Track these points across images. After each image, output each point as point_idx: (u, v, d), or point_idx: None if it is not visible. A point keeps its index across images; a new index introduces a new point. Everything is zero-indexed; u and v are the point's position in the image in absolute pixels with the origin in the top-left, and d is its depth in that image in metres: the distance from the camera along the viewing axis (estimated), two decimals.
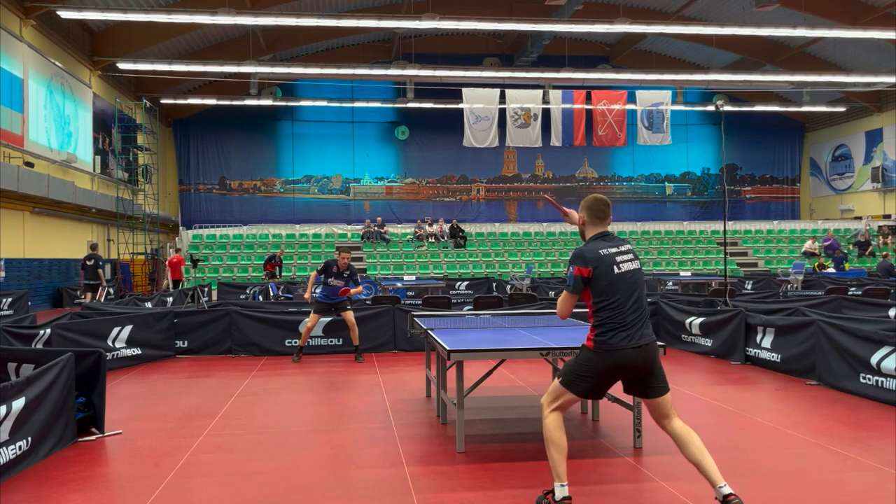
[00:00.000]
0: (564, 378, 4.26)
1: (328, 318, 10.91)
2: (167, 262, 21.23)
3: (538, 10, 25.14)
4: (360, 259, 26.72)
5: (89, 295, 17.52)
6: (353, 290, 10.32)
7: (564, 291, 4.31)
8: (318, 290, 10.59)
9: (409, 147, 34.17)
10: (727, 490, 3.99)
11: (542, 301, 12.66)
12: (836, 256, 24.62)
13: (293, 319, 11.13)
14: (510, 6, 27.22)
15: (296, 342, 11.00)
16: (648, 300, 12.70)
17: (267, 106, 30.90)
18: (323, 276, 10.32)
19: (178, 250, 23.23)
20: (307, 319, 10.48)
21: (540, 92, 27.71)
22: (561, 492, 4.13)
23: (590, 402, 6.70)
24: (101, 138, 25.41)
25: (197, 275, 22.22)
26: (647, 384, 4.23)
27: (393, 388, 8.21)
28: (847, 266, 24.01)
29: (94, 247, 19.38)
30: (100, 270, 17.77)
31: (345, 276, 10.28)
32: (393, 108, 32.13)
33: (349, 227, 29.36)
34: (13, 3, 19.11)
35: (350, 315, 10.30)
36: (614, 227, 30.28)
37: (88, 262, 17.94)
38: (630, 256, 4.30)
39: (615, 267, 4.20)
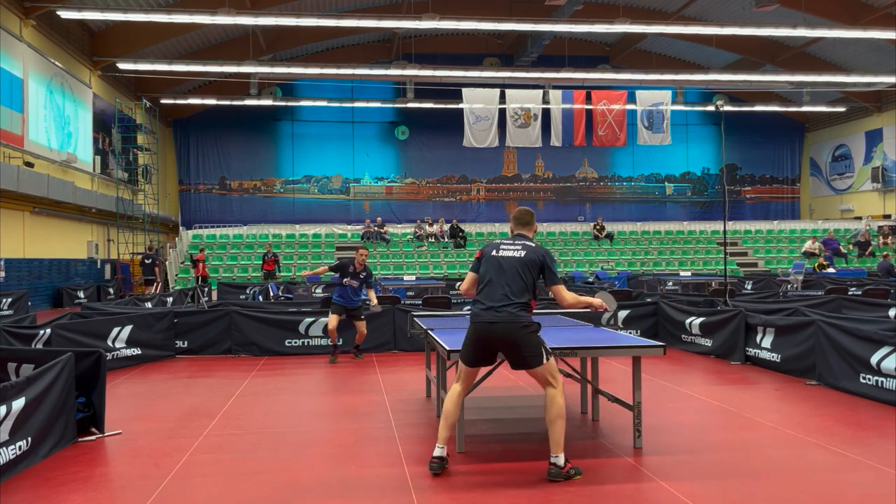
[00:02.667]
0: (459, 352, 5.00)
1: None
2: (194, 259, 22.45)
3: (538, 10, 25.13)
4: None
5: (147, 289, 19.78)
6: (374, 306, 10.05)
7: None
8: (333, 292, 10.34)
9: (409, 147, 34.17)
10: (555, 460, 4.72)
11: (542, 301, 12.66)
12: (826, 255, 24.58)
13: (293, 319, 11.13)
14: (510, 6, 27.22)
15: (296, 342, 11.01)
16: (648, 300, 12.74)
17: (267, 106, 30.90)
18: (338, 275, 10.05)
19: (202, 249, 24.03)
20: (324, 319, 10.39)
21: (540, 92, 27.71)
22: (436, 451, 4.84)
23: (590, 402, 6.70)
24: (101, 138, 25.41)
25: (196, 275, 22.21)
26: (515, 357, 4.83)
27: (393, 388, 8.20)
28: (836, 264, 23.87)
29: (150, 247, 22.13)
30: (156, 268, 20.25)
31: (361, 276, 9.96)
32: (393, 108, 32.13)
33: (349, 227, 29.36)
34: (13, 3, 19.11)
35: (363, 325, 10.17)
36: (614, 227, 30.45)
37: (146, 261, 20.41)
38: (517, 247, 4.91)
39: (495, 250, 4.94)
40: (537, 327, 4.84)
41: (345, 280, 9.96)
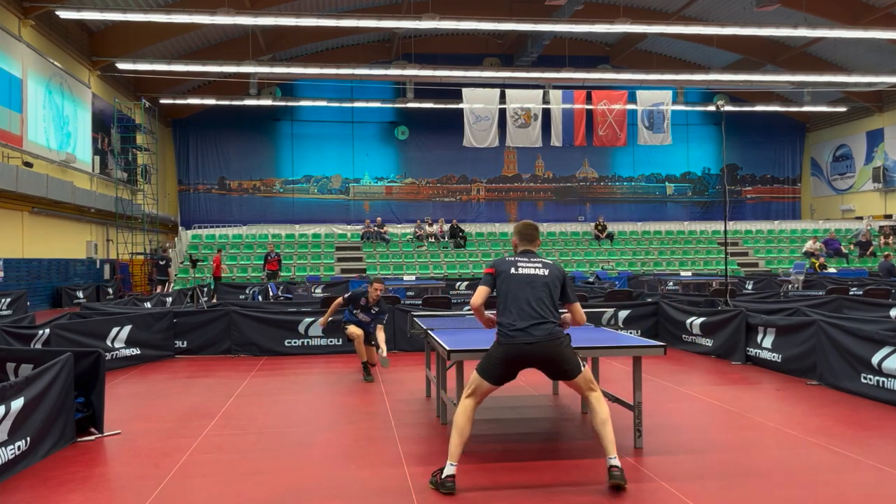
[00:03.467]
0: (479, 368, 4.88)
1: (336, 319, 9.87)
2: (213, 260, 22.97)
3: (538, 10, 25.12)
4: (360, 259, 26.73)
5: (160, 287, 20.62)
6: (382, 353, 8.60)
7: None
8: (345, 314, 9.18)
9: (409, 147, 34.15)
10: (615, 462, 4.60)
11: None
12: (816, 254, 24.54)
13: (293, 319, 11.12)
14: (510, 6, 27.21)
15: (296, 342, 11.00)
16: (648, 300, 12.73)
17: (266, 106, 30.89)
18: (350, 305, 9.00)
19: (220, 250, 24.26)
20: (349, 334, 8.98)
21: (540, 92, 27.70)
22: (448, 470, 4.67)
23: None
24: (100, 138, 25.39)
25: (196, 275, 22.20)
26: (555, 371, 4.85)
27: (393, 388, 8.19)
28: (828, 263, 23.78)
29: (165, 249, 23.07)
30: (169, 269, 21.13)
31: (373, 311, 8.88)
32: (393, 108, 32.12)
33: (349, 227, 29.34)
34: (12, 3, 19.09)
35: (373, 351, 9.00)
36: (615, 227, 30.43)
37: (161, 262, 21.42)
38: (537, 265, 4.90)
39: (513, 268, 4.88)
40: (569, 339, 4.87)
41: (356, 312, 8.98)
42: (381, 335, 8.82)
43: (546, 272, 4.86)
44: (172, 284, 22.25)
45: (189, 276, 22.25)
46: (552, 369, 4.83)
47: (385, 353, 8.62)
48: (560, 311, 4.97)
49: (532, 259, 4.94)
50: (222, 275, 22.72)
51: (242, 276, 24.81)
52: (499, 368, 4.78)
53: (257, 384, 8.58)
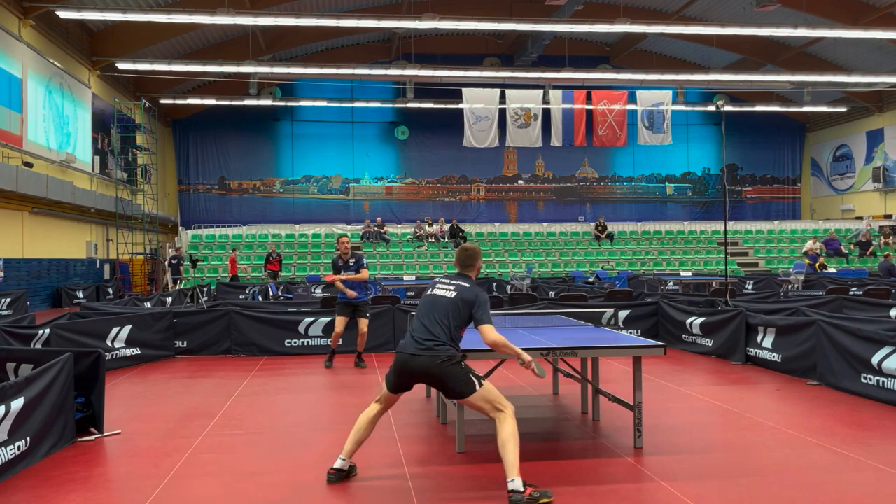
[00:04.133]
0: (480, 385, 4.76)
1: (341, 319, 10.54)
2: (229, 259, 23.84)
3: (538, 10, 25.12)
4: None
5: (173, 287, 21.35)
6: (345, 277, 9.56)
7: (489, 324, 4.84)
8: (339, 293, 9.91)
9: (409, 147, 34.14)
10: (512, 486, 4.32)
11: (542, 301, 12.65)
12: (811, 255, 24.46)
13: (293, 319, 11.11)
14: (510, 6, 27.20)
15: (296, 342, 10.99)
16: (649, 300, 12.73)
17: (266, 106, 30.89)
18: (339, 272, 9.76)
19: (234, 249, 25.05)
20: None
21: (540, 92, 27.69)
22: (337, 463, 4.91)
23: (590, 402, 6.69)
24: (100, 138, 25.39)
25: (196, 275, 22.23)
26: (445, 390, 4.82)
27: None
28: (820, 266, 23.74)
29: (178, 249, 23.86)
30: (181, 268, 22.00)
31: (351, 264, 9.64)
32: (393, 108, 32.13)
33: (349, 227, 29.35)
34: (12, 3, 19.09)
35: (364, 324, 9.78)
36: (615, 227, 30.45)
37: (174, 262, 22.12)
38: (450, 286, 4.91)
39: (431, 288, 5.03)
40: (461, 358, 4.77)
41: (343, 275, 9.71)
42: (364, 272, 9.70)
43: (454, 294, 4.85)
44: (183, 282, 22.88)
45: (189, 275, 22.25)
46: (438, 386, 4.86)
47: (364, 275, 9.64)
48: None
49: (453, 280, 4.97)
50: (238, 273, 23.32)
51: (242, 276, 24.78)
52: (392, 376, 4.90)
53: (257, 384, 8.58)
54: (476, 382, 4.67)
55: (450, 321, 4.77)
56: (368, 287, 10.16)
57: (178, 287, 20.84)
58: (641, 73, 27.60)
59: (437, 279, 5.16)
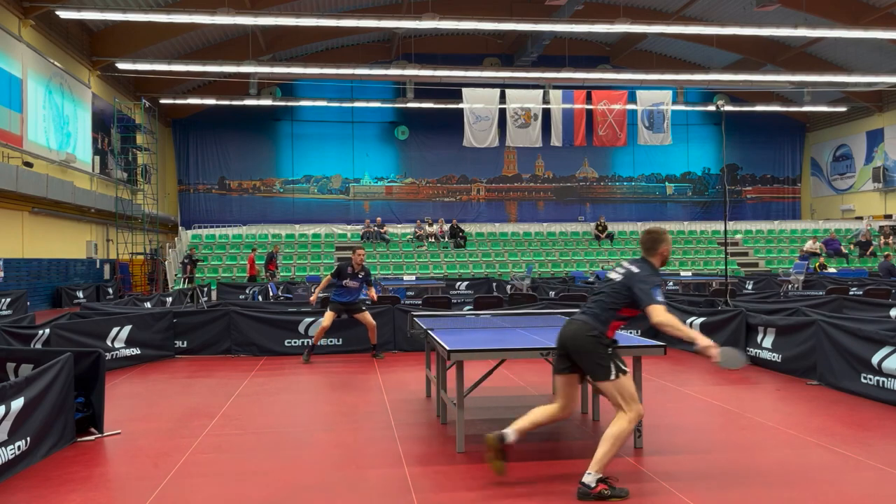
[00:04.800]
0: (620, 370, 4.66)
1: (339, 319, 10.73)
2: (248, 259, 24.00)
3: (538, 10, 25.12)
4: None
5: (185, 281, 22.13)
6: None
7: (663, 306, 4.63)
8: (331, 292, 10.32)
9: (409, 147, 34.15)
10: (587, 479, 4.43)
11: (542, 301, 12.65)
12: (801, 255, 24.44)
13: (293, 319, 11.11)
14: (510, 6, 27.20)
15: (296, 342, 10.98)
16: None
17: (266, 106, 30.88)
18: (337, 279, 10.05)
19: (254, 249, 25.02)
20: (321, 319, 10.30)
21: (540, 92, 27.69)
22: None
23: (590, 402, 6.69)
24: (101, 138, 25.39)
25: (196, 275, 22.22)
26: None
27: (393, 388, 8.19)
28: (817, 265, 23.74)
29: (192, 250, 25.03)
30: (188, 266, 22.79)
31: (360, 276, 9.89)
32: (393, 108, 32.13)
33: (349, 227, 29.35)
34: (12, 3, 19.09)
35: (367, 316, 10.08)
36: (615, 227, 30.42)
37: (185, 261, 23.03)
38: (622, 270, 4.83)
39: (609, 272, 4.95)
40: (610, 342, 4.69)
41: (344, 282, 9.90)
42: (372, 292, 10.15)
43: (620, 277, 4.79)
44: (189, 280, 23.11)
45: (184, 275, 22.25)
46: (579, 361, 4.75)
47: (374, 298, 10.35)
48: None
49: (628, 264, 4.88)
50: (256, 274, 23.35)
51: (242, 276, 24.79)
52: (555, 355, 4.95)
53: (257, 384, 8.58)
54: (614, 371, 4.60)
55: (608, 300, 4.72)
56: (361, 294, 10.38)
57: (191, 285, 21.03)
58: (641, 73, 27.60)
59: (617, 263, 4.96)
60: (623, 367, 4.64)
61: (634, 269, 4.73)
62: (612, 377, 4.57)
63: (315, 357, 10.65)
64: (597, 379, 4.63)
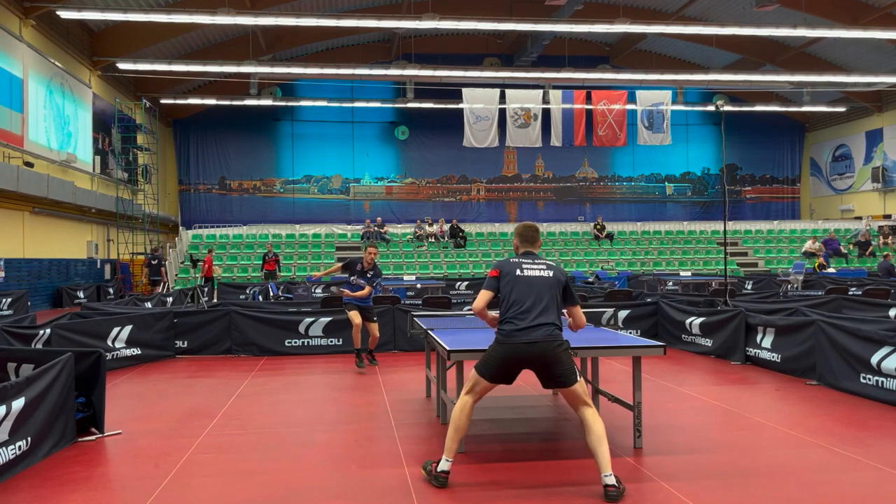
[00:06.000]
0: (477, 366, 4.87)
1: (332, 319, 10.65)
2: (205, 260, 22.74)
3: (538, 10, 25.13)
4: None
5: (155, 289, 20.57)
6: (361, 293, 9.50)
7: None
8: (344, 297, 9.84)
9: (409, 147, 34.15)
10: (610, 480, 4.44)
11: None
12: (804, 253, 24.45)
13: (293, 319, 11.12)
14: (510, 6, 27.21)
15: (296, 342, 11.00)
16: (648, 300, 12.74)
17: (267, 106, 30.89)
18: (345, 273, 9.73)
19: (210, 250, 24.11)
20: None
21: (540, 92, 27.70)
22: (443, 465, 4.74)
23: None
24: (101, 138, 25.40)
25: (196, 275, 22.22)
26: (549, 376, 4.74)
27: (393, 388, 8.20)
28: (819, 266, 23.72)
29: (155, 249, 22.96)
30: (162, 269, 21.07)
31: (368, 275, 9.53)
32: (393, 108, 32.13)
33: (349, 227, 29.35)
34: (13, 3, 19.10)
35: (374, 328, 9.74)
36: (614, 227, 30.42)
37: (153, 262, 21.18)
38: (541, 266, 4.87)
39: (518, 270, 4.85)
40: (568, 345, 4.80)
41: (352, 279, 9.64)
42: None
43: (550, 274, 4.84)
44: (169, 284, 21.95)
45: (189, 275, 22.25)
46: (547, 373, 4.74)
47: (366, 291, 9.51)
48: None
49: (536, 261, 4.92)
50: (213, 276, 21.84)
51: (242, 276, 24.82)
52: (497, 368, 4.77)
53: (257, 384, 8.59)
54: (578, 374, 4.76)
55: (556, 302, 4.76)
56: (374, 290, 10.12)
57: (163, 289, 20.13)
58: (641, 73, 27.61)
59: (516, 261, 4.92)
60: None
61: (553, 264, 4.95)
62: (578, 377, 4.74)
63: (315, 357, 10.67)
64: (569, 384, 4.70)
